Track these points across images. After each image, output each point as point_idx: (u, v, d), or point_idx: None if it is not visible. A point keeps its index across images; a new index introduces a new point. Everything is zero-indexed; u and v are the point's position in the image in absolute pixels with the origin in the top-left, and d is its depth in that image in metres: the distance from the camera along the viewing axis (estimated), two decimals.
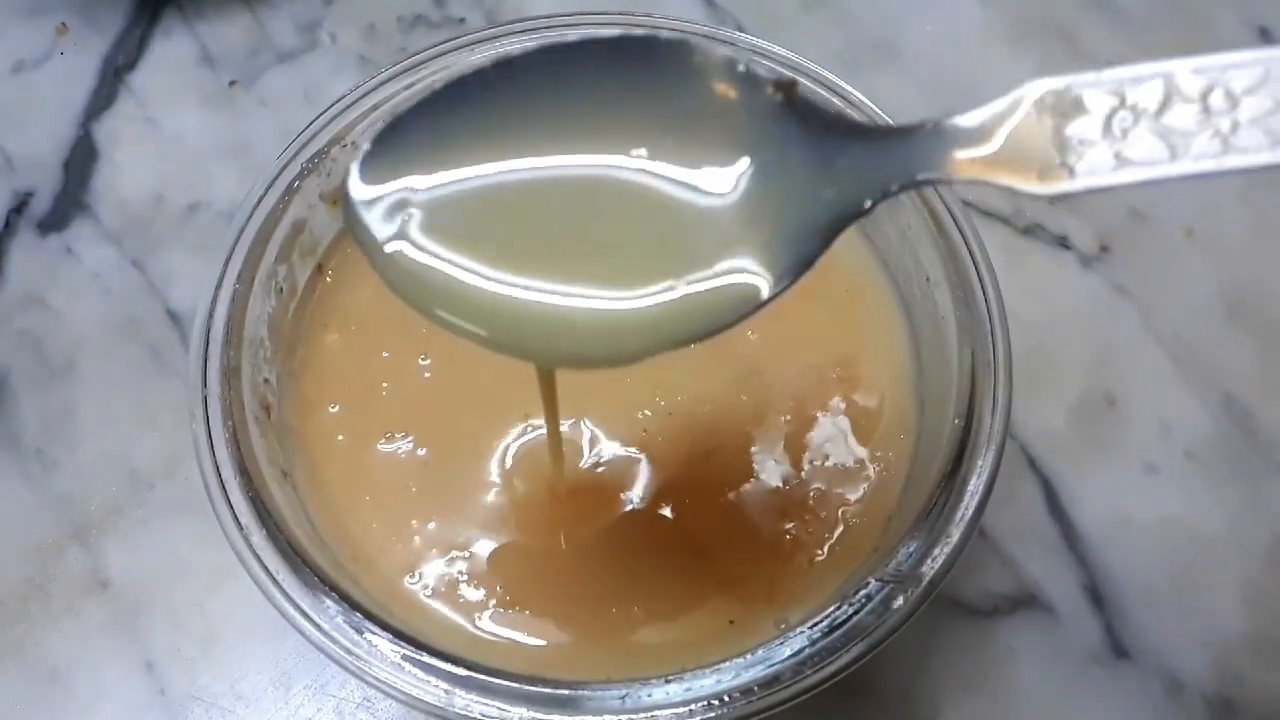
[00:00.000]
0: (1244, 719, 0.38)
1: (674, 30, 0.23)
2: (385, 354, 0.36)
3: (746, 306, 0.22)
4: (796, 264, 0.22)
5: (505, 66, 0.23)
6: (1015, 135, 0.21)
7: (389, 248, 0.23)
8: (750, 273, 0.22)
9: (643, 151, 0.23)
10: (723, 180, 0.23)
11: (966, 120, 0.21)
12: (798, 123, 0.23)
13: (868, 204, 0.22)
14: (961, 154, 0.21)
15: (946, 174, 0.21)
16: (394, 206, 0.23)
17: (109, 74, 0.50)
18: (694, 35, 0.22)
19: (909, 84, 0.51)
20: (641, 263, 0.23)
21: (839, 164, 0.22)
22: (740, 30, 0.46)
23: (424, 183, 0.23)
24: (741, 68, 0.23)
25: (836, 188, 0.22)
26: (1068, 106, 0.20)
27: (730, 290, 0.22)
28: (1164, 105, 0.19)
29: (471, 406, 0.35)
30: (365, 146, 0.24)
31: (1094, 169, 0.20)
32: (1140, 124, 0.20)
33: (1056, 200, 0.47)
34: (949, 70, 0.51)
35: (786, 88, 0.23)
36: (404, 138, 0.24)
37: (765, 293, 0.22)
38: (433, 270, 0.23)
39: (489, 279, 0.23)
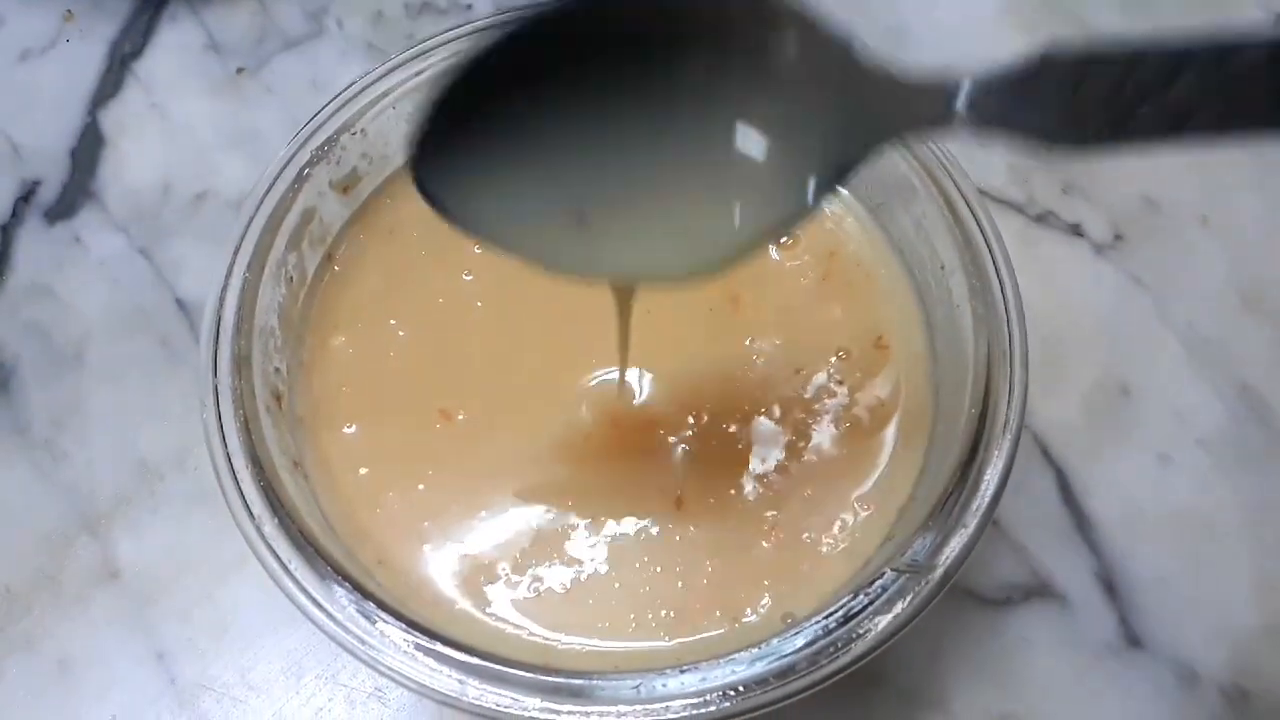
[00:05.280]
0: (1259, 709, 0.38)
1: None
2: (396, 340, 0.35)
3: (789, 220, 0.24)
4: (828, 184, 0.24)
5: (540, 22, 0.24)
6: (1027, 96, 0.20)
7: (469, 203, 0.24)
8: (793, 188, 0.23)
9: (692, 91, 0.24)
10: (764, 114, 0.24)
11: (983, 75, 0.21)
12: (830, 66, 0.23)
13: (885, 145, 0.23)
14: (971, 108, 0.21)
15: (956, 123, 0.21)
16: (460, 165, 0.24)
17: (115, 61, 0.50)
18: None
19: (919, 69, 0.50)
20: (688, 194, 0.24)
21: (865, 105, 0.23)
22: None
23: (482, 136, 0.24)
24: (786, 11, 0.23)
25: (861, 128, 0.23)
26: (1079, 74, 0.20)
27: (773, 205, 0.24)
28: (1170, 79, 0.19)
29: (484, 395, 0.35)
30: (423, 114, 0.24)
31: (1099, 135, 0.20)
32: (1146, 96, 0.19)
33: (1063, 165, 0.47)
34: (960, 56, 0.51)
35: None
36: (456, 99, 0.24)
37: (809, 200, 0.23)
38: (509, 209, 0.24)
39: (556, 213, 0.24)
